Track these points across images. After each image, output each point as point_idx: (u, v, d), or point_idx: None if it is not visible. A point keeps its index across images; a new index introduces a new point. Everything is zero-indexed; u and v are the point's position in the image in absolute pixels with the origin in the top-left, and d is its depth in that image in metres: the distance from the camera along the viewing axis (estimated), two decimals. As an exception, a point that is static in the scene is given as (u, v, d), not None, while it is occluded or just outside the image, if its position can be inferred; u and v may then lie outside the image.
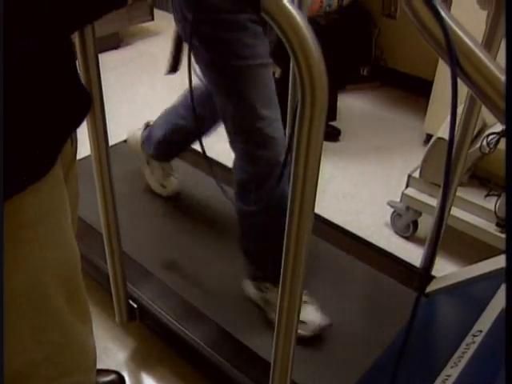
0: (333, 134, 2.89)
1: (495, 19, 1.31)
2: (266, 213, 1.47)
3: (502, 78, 0.68)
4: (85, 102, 0.91)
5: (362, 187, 2.53)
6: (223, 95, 1.42)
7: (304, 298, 1.50)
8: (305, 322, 1.53)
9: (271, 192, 1.41)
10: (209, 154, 1.36)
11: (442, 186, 0.77)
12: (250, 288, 1.67)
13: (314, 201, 0.88)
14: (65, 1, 0.66)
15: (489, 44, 1.33)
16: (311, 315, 1.56)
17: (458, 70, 0.70)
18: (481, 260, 1.66)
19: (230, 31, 1.32)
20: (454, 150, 1.58)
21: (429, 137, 2.77)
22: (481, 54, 0.69)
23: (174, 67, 1.49)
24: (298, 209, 0.85)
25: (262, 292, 1.63)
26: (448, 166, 0.84)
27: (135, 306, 1.62)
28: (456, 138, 1.56)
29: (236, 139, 1.45)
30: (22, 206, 0.75)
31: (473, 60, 0.69)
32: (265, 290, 1.62)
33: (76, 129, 0.87)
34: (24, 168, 0.74)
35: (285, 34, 0.74)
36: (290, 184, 0.85)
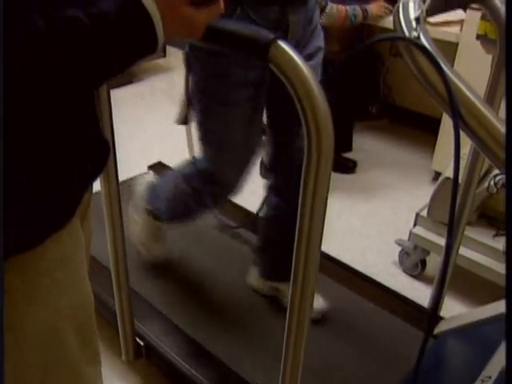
0: (348, 167, 2.92)
1: (500, 63, 1.33)
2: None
3: (503, 129, 0.69)
4: (105, 151, 0.93)
5: (369, 224, 2.54)
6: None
7: None
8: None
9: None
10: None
11: (448, 225, 0.78)
12: (254, 278, 1.82)
13: (321, 244, 0.89)
14: (101, 60, 0.68)
15: (493, 88, 1.36)
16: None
17: (460, 122, 0.71)
18: (490, 301, 1.65)
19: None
20: (461, 189, 1.59)
21: (437, 174, 2.78)
22: (482, 107, 0.71)
23: (184, 120, 1.54)
24: (305, 249, 0.86)
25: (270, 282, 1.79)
26: (453, 208, 0.85)
27: (142, 343, 1.62)
28: (463, 178, 1.57)
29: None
30: (41, 255, 0.77)
31: (474, 113, 0.71)
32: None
33: (96, 179, 0.90)
34: (46, 220, 0.76)
35: (291, 85, 0.76)
36: (297, 226, 0.86)
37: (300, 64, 0.76)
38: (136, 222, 1.95)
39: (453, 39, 2.46)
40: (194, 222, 1.81)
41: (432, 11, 0.79)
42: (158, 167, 2.48)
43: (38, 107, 0.68)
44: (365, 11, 2.56)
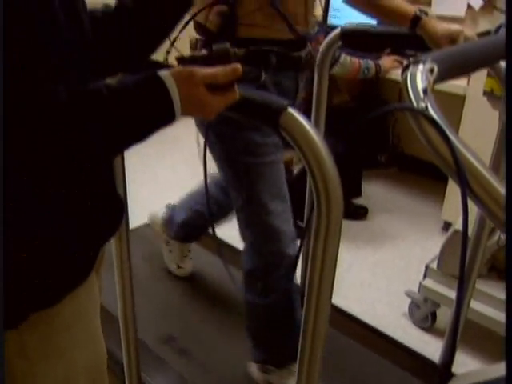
0: (359, 213, 2.93)
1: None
2: (272, 306, 1.50)
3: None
4: (120, 208, 0.95)
5: (379, 275, 2.52)
6: (234, 188, 1.48)
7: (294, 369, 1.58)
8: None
9: (278, 285, 1.44)
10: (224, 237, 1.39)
11: (458, 279, 0.78)
12: (254, 370, 1.69)
13: (331, 299, 0.89)
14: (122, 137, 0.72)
15: (500, 144, 1.37)
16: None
17: (468, 189, 0.72)
18: (503, 355, 1.62)
19: (242, 130, 1.39)
20: (471, 243, 1.59)
21: (446, 224, 2.78)
22: (488, 176, 0.72)
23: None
24: (315, 304, 0.86)
25: (266, 374, 1.65)
26: (463, 263, 0.85)
27: (148, 396, 1.60)
28: (473, 231, 1.57)
29: (245, 231, 1.50)
30: (58, 311, 0.78)
31: (481, 181, 0.71)
32: (269, 373, 1.65)
33: (112, 236, 0.92)
34: (64, 279, 0.78)
35: (302, 151, 0.78)
36: (307, 284, 0.87)
37: (310, 132, 0.78)
38: (166, 252, 2.22)
39: (460, 92, 2.50)
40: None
41: (439, 79, 0.81)
42: (169, 215, 2.50)
43: (56, 170, 0.70)
44: (377, 66, 2.61)
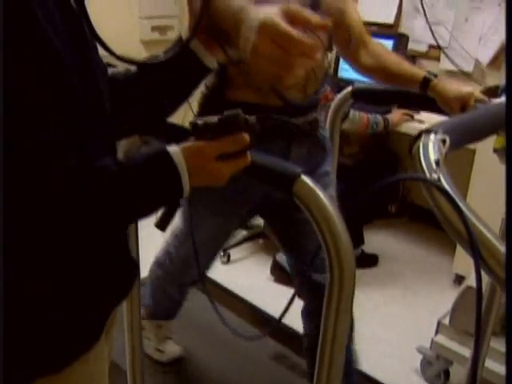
0: (370, 262, 2.92)
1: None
2: None
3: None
4: (133, 272, 0.95)
5: (390, 329, 2.48)
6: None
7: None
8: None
9: None
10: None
11: (474, 339, 0.77)
12: None
13: (342, 370, 0.88)
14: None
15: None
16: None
17: (480, 260, 0.72)
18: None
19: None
20: (484, 299, 1.57)
21: (458, 277, 2.75)
22: (501, 248, 0.72)
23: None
24: (327, 366, 0.85)
25: None
26: (478, 322, 0.84)
27: None
28: (487, 288, 1.55)
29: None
30: (67, 376, 0.78)
31: (494, 254, 0.71)
32: None
33: (124, 299, 0.92)
34: (74, 343, 0.78)
35: (315, 220, 0.79)
36: (319, 348, 0.86)
37: (324, 201, 0.79)
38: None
39: (471, 146, 2.51)
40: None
41: (451, 149, 0.82)
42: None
43: (65, 237, 0.71)
44: (386, 120, 2.65)
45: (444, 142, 0.79)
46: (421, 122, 2.75)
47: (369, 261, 2.96)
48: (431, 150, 0.78)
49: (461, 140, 0.85)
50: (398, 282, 2.87)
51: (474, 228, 0.73)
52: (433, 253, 3.13)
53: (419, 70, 1.44)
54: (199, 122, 0.77)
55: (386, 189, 3.10)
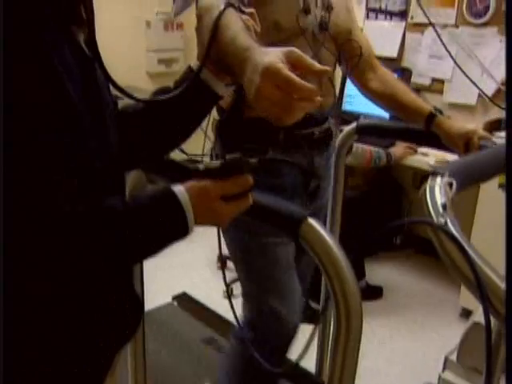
0: (375, 294, 2.90)
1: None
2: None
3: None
4: (138, 312, 0.95)
5: (396, 364, 2.44)
6: (240, 270, 1.50)
7: None
8: None
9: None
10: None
11: (484, 377, 0.76)
12: None
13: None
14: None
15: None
16: None
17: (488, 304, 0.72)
18: None
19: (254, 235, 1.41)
20: (493, 338, 1.54)
21: (465, 310, 2.72)
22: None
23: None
24: None
25: None
26: (489, 363, 0.82)
27: None
28: (495, 325, 1.53)
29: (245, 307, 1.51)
30: None
31: (500, 296, 0.71)
32: None
33: (129, 340, 0.91)
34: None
35: (322, 263, 0.79)
36: None
37: (330, 243, 0.79)
38: None
39: (475, 179, 2.51)
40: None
41: (458, 191, 0.82)
42: (183, 298, 2.48)
43: (70, 278, 0.71)
44: (389, 155, 2.66)
45: (451, 185, 0.79)
46: (424, 154, 2.76)
47: (374, 293, 2.94)
48: (438, 193, 0.78)
49: (467, 182, 0.86)
50: (404, 315, 2.84)
51: (481, 272, 0.72)
52: (439, 286, 3.11)
53: (426, 104, 1.45)
54: (201, 166, 0.78)
55: (390, 220, 3.06)
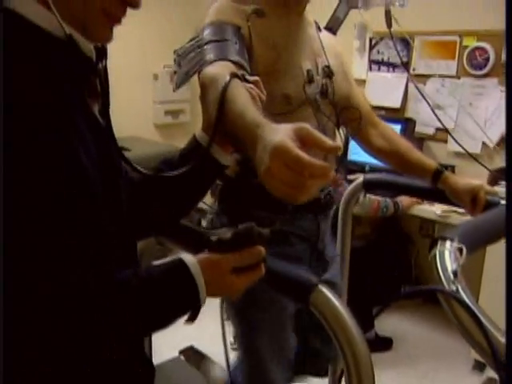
0: (384, 345, 2.86)
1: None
2: None
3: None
4: (149, 375, 0.94)
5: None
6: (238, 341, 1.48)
7: None
8: None
9: None
10: None
11: None
12: None
13: None
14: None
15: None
16: None
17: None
18: None
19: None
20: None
21: (477, 363, 2.66)
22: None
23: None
24: None
25: None
26: None
27: None
28: None
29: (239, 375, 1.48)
30: None
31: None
32: None
33: None
34: None
35: (332, 330, 0.78)
36: None
37: (341, 310, 0.78)
38: None
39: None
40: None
41: (468, 255, 0.82)
42: (190, 352, 2.45)
43: (81, 350, 0.71)
44: (396, 204, 2.67)
45: (460, 250, 0.79)
46: (431, 204, 2.77)
47: (383, 344, 2.89)
48: (448, 259, 0.78)
49: (476, 245, 0.86)
50: (414, 367, 2.78)
51: (494, 340, 0.72)
52: (449, 336, 3.05)
53: (431, 161, 1.46)
54: (213, 238, 0.79)
55: (398, 269, 3.04)
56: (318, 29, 1.44)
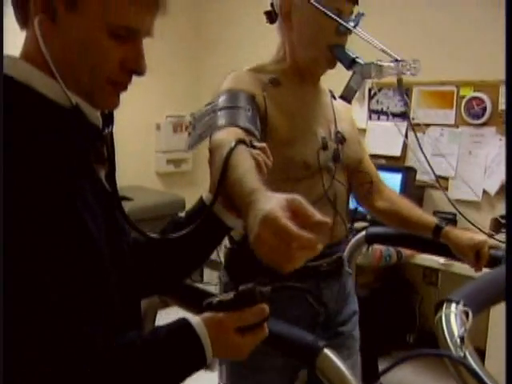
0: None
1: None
2: None
3: None
4: None
5: None
6: None
7: None
8: None
9: None
10: None
11: None
12: None
13: None
14: None
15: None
16: None
17: None
18: None
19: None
20: None
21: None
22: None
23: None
24: None
25: None
26: None
27: None
28: None
29: None
30: None
31: None
32: None
33: None
34: None
35: (340, 398, 0.77)
36: None
37: (347, 375, 0.78)
38: None
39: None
40: None
41: (474, 317, 0.82)
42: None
43: None
44: (399, 253, 2.66)
45: (467, 314, 0.79)
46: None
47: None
48: (454, 323, 0.78)
49: (482, 307, 0.86)
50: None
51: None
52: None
53: (431, 218, 1.47)
54: (214, 301, 0.79)
55: (402, 318, 3.00)
56: (333, 97, 1.48)
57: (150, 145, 3.81)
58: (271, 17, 1.39)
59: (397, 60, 1.27)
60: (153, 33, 0.80)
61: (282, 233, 0.68)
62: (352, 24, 1.28)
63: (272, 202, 0.72)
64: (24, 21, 0.76)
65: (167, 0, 0.78)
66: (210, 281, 4.14)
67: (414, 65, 1.27)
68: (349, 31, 1.29)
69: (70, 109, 0.74)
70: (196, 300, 0.95)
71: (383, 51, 1.28)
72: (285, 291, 1.14)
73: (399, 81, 1.30)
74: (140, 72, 0.80)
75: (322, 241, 0.72)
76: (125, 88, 0.82)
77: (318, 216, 0.71)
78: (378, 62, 1.27)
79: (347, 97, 1.31)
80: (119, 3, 0.74)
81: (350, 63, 1.29)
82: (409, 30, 3.01)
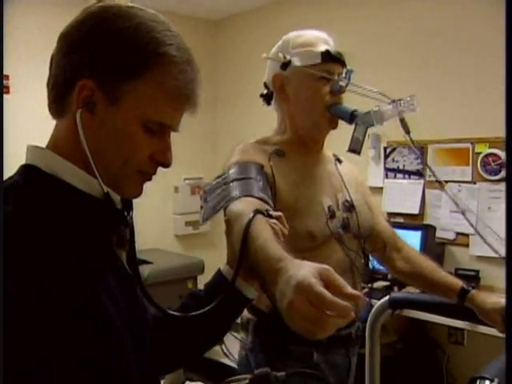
0: None
1: None
2: None
3: None
4: None
5: None
6: None
7: None
8: None
9: None
10: None
11: None
12: None
13: None
14: None
15: None
16: None
17: None
18: None
19: None
20: None
21: None
22: None
23: None
24: None
25: None
26: None
27: None
28: None
29: None
30: None
31: None
32: None
33: None
34: None
35: None
36: None
37: None
38: None
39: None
40: None
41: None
42: None
43: None
44: None
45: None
46: (458, 311, 2.70)
47: None
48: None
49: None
50: None
51: None
52: None
53: (456, 280, 1.44)
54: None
55: (430, 378, 2.89)
56: (338, 161, 1.50)
57: (167, 207, 3.86)
58: (267, 98, 1.45)
59: (393, 101, 1.28)
60: (179, 128, 0.83)
61: (316, 300, 0.68)
62: (345, 82, 1.32)
63: (304, 269, 0.73)
64: (60, 112, 0.79)
65: (200, 102, 0.81)
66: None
67: (411, 101, 1.28)
68: (342, 89, 1.34)
69: (98, 197, 0.76)
70: (216, 376, 0.94)
71: (380, 94, 1.29)
72: (299, 377, 1.13)
73: (402, 121, 1.31)
74: (167, 165, 0.83)
75: (355, 310, 0.72)
76: (150, 179, 0.85)
77: (349, 289, 0.71)
78: (376, 108, 1.30)
79: (355, 149, 1.33)
80: (158, 101, 0.77)
81: (351, 116, 1.32)
82: (424, 89, 3.05)
